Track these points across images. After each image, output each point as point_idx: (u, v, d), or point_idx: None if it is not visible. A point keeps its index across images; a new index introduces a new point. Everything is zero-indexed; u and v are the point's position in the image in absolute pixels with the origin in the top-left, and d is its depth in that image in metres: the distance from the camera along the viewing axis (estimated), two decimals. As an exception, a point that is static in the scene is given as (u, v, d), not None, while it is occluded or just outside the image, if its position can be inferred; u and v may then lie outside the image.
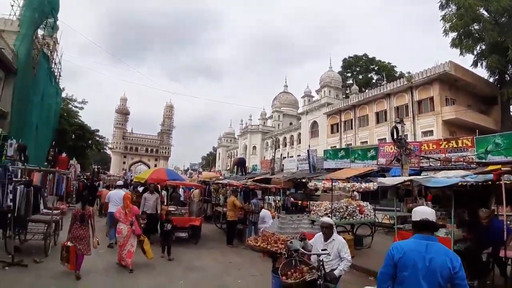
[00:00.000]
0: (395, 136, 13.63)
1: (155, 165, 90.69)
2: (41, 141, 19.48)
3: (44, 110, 21.59)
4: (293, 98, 69.13)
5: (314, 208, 10.82)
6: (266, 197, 16.53)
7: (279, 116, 65.10)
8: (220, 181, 15.06)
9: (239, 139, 73.47)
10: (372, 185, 10.88)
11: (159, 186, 11.54)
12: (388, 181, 8.45)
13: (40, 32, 21.84)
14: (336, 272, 4.52)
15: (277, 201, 16.68)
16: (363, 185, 10.92)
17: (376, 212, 11.70)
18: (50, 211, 7.74)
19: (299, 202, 22.58)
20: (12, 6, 19.08)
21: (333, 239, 4.84)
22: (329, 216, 9.84)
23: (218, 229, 12.97)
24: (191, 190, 15.83)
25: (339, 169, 21.54)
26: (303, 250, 4.48)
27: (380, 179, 8.37)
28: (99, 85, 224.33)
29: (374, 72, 53.49)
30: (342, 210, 9.90)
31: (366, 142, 33.08)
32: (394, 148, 19.16)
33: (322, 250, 4.54)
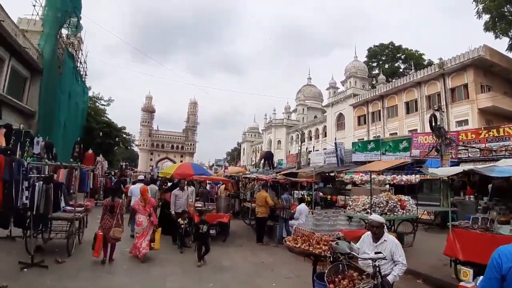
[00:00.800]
0: (433, 125, 12.52)
1: (181, 161, 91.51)
2: (69, 139, 19.55)
3: (71, 109, 21.71)
4: (317, 91, 67.60)
5: (350, 203, 9.97)
6: (293, 192, 15.73)
7: (303, 109, 63.76)
8: (248, 176, 14.35)
9: (263, 133, 72.81)
10: (414, 178, 9.91)
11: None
12: (441, 171, 7.41)
13: (64, 31, 21.88)
14: (389, 278, 3.79)
15: (306, 196, 15.92)
16: (404, 177, 9.96)
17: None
18: (73, 208, 7.34)
19: (328, 196, 21.70)
20: (34, 6, 19.06)
21: (385, 240, 4.11)
22: (367, 212, 9.05)
23: (246, 225, 12.31)
24: (218, 185, 15.30)
25: (369, 162, 20.43)
26: (354, 253, 3.74)
27: (432, 170, 7.37)
28: (124, 84, 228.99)
29: (401, 61, 50.96)
30: (382, 205, 8.97)
31: (396, 133, 31.53)
32: (431, 138, 17.94)
33: (375, 253, 3.79)
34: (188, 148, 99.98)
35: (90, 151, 17.77)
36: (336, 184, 22.97)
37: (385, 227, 4.45)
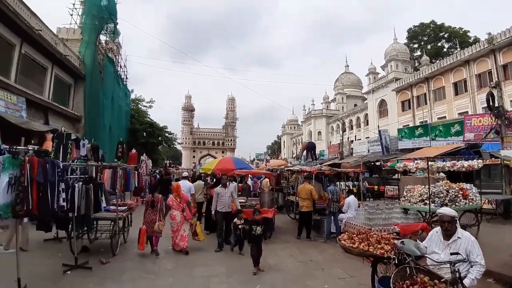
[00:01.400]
0: (491, 104, 11.15)
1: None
2: (115, 141, 20.10)
3: (115, 112, 22.34)
4: (355, 78, 65.06)
5: (405, 193, 9.05)
6: (337, 183, 14.88)
7: (342, 98, 61.57)
8: (291, 168, 13.71)
9: (303, 125, 71.60)
10: (476, 163, 8.79)
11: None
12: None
13: (102, 38, 22.51)
14: (466, 282, 3.10)
15: (351, 187, 15.05)
16: (465, 163, 8.85)
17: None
18: (116, 208, 7.23)
19: (375, 187, 20.56)
20: (71, 15, 19.70)
21: (458, 237, 3.44)
22: (425, 204, 8.14)
23: (291, 220, 11.64)
24: (260, 179, 14.86)
25: (417, 148, 18.95)
26: (430, 257, 3.11)
27: (505, 153, 6.36)
28: (164, 85, 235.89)
29: (444, 40, 47.29)
30: (441, 195, 7.98)
31: (444, 117, 29.11)
32: (487, 120, 16.21)
33: (451, 254, 3.11)
34: (228, 144, 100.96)
35: (134, 151, 18.13)
36: (383, 173, 21.73)
37: (457, 221, 3.71)
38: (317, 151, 45.79)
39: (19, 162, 4.34)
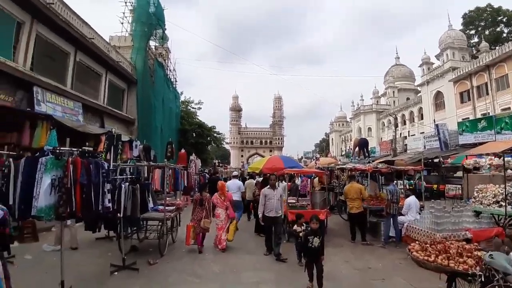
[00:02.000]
0: None
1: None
2: (166, 142, 20.60)
3: (165, 114, 22.93)
4: (407, 70, 61.15)
5: (476, 194, 7.95)
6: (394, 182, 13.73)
7: (393, 92, 58.12)
8: (343, 166, 12.81)
9: (351, 122, 69.03)
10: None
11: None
12: None
13: (152, 43, 23.21)
14: None
15: (407, 186, 13.85)
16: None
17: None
18: (164, 208, 7.11)
19: (434, 186, 18.82)
20: (122, 23, 20.51)
21: None
22: (501, 206, 7.02)
23: (344, 221, 10.70)
24: (310, 179, 14.16)
25: (480, 143, 16.98)
26: None
27: None
28: (212, 87, 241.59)
29: (503, 24, 42.56)
30: (521, 196, 6.88)
31: (509, 108, 26.08)
32: None
33: None
34: (276, 143, 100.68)
35: (183, 151, 18.39)
36: (442, 171, 19.86)
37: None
38: (368, 148, 43.66)
39: (62, 163, 4.24)
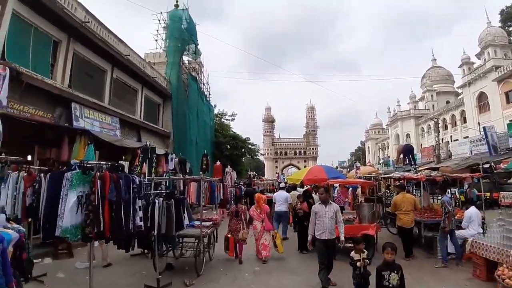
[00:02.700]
0: None
1: (305, 166, 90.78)
2: (201, 154, 20.39)
3: (200, 127, 22.85)
4: (445, 72, 57.87)
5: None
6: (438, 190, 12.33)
7: (431, 95, 55.14)
8: (390, 175, 11.68)
9: (388, 129, 66.13)
10: None
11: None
12: None
13: (186, 58, 23.42)
14: None
15: (457, 195, 12.48)
16: None
17: None
18: (200, 224, 6.57)
19: (487, 194, 16.96)
20: (156, 40, 20.82)
21: None
22: None
23: (391, 235, 9.64)
24: (350, 190, 13.13)
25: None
26: None
27: None
28: (245, 100, 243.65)
29: None
30: None
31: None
32: None
33: None
34: (310, 153, 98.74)
35: (218, 163, 18.00)
36: (494, 177, 17.96)
37: None
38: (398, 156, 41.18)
39: (89, 178, 3.81)
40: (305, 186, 12.28)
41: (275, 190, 18.01)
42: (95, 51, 12.99)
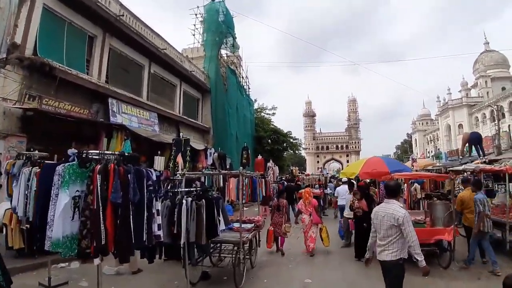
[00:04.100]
0: None
1: (347, 161, 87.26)
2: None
3: (240, 121, 21.93)
4: (500, 56, 52.08)
5: None
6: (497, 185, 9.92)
7: (485, 81, 49.63)
8: (457, 168, 9.57)
9: (438, 119, 60.64)
10: None
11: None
12: None
13: (224, 52, 22.59)
14: None
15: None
16: None
17: None
18: (239, 226, 5.47)
19: None
20: (194, 35, 20.19)
21: None
22: None
23: (462, 238, 7.87)
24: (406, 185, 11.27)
25: None
26: None
27: None
28: (285, 94, 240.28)
29: None
30: None
31: None
32: None
33: None
34: (352, 147, 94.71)
35: (260, 157, 16.83)
36: None
37: None
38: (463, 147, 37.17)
39: (88, 173, 2.83)
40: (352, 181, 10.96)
41: (322, 185, 16.61)
42: (131, 45, 12.44)
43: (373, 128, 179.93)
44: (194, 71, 16.78)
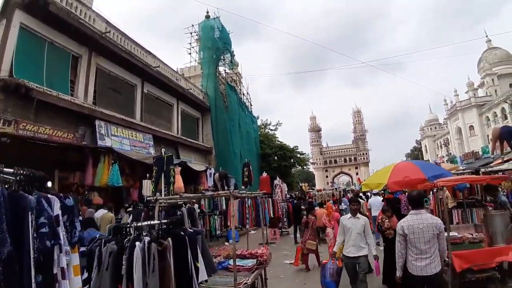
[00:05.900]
0: None
1: (356, 173, 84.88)
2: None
3: (243, 139, 20.77)
4: (504, 53, 50.10)
5: None
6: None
7: (492, 79, 47.52)
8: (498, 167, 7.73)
9: (447, 122, 57.93)
10: None
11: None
12: None
13: (222, 69, 21.77)
14: None
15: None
16: None
17: None
18: (233, 264, 4.05)
19: None
20: (190, 54, 19.46)
21: None
22: None
23: None
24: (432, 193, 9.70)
25: None
26: None
27: None
28: (289, 111, 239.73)
29: None
30: None
31: None
32: None
33: None
34: (361, 159, 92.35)
35: (265, 174, 15.30)
36: None
37: None
38: (479, 149, 34.98)
39: None
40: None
41: (337, 200, 15.10)
42: (120, 64, 11.48)
43: (380, 138, 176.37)
44: (191, 89, 15.78)
